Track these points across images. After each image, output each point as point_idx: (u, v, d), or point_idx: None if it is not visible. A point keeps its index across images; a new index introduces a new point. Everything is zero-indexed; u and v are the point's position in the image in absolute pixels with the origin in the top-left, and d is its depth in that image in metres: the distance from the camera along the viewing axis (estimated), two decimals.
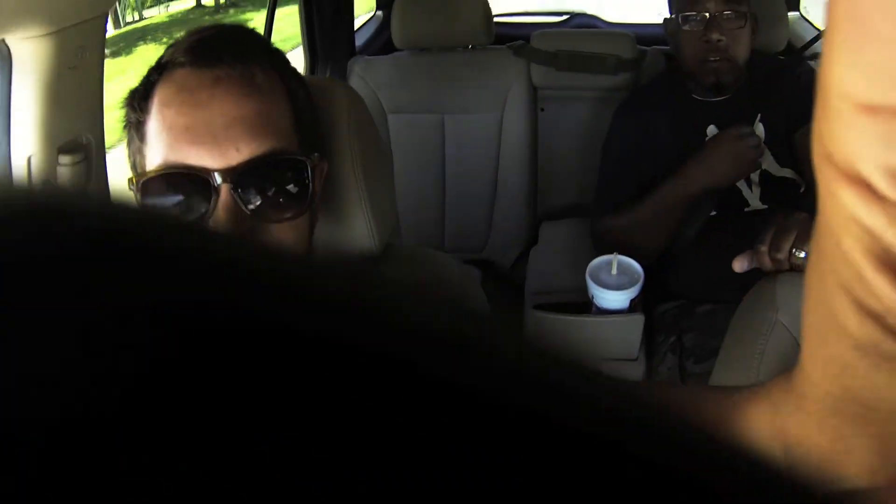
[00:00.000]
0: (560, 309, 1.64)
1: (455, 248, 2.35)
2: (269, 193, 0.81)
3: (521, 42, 2.31)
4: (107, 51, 1.22)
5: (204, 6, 7.86)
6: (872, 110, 0.26)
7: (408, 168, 2.28)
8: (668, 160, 1.75)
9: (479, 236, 2.36)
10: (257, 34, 0.97)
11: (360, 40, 2.64)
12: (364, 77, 2.24)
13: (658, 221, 1.69)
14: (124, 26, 6.51)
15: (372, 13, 2.92)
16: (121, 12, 6.09)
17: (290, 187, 0.83)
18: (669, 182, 1.70)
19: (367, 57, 2.33)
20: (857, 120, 0.26)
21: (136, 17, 7.08)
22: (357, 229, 1.08)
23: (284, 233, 0.83)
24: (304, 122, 0.88)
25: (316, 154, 0.87)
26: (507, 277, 2.28)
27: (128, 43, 6.20)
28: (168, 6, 7.89)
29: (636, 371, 1.58)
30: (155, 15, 7.53)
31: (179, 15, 7.88)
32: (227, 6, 8.54)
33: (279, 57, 0.89)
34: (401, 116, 2.27)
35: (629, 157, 1.86)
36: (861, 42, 0.25)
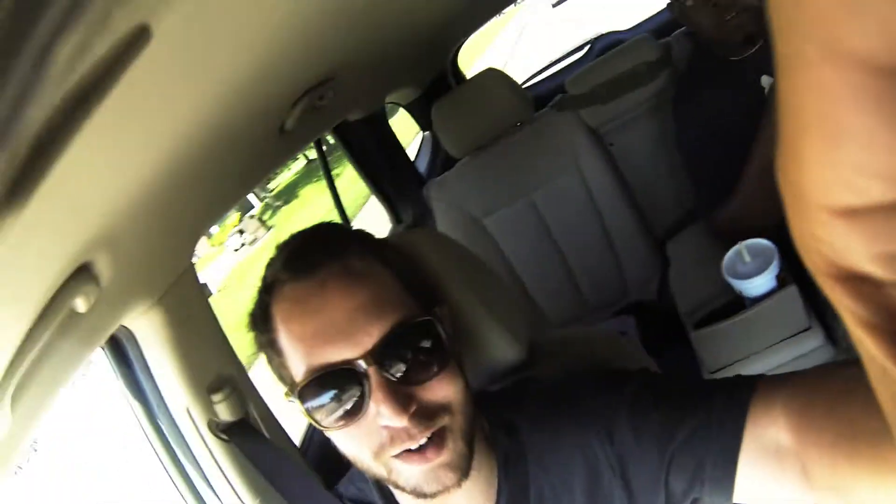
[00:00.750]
0: (717, 317, 1.63)
1: (600, 302, 2.37)
2: (410, 358, 0.84)
3: (559, 96, 2.35)
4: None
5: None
6: (854, 214, 0.24)
7: (524, 256, 2.33)
8: (741, 128, 1.71)
9: (616, 282, 2.36)
10: (341, 227, 1.05)
11: (422, 166, 2.71)
12: (443, 198, 2.29)
13: (765, 189, 1.65)
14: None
15: (420, 135, 2.96)
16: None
17: (426, 345, 0.86)
18: (756, 146, 1.67)
19: (436, 180, 2.37)
20: (838, 224, 0.25)
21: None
22: (498, 347, 1.13)
23: (442, 385, 0.87)
24: (413, 283, 0.92)
25: (435, 307, 0.92)
26: (658, 308, 2.28)
27: None
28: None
29: (815, 338, 1.54)
30: None
31: None
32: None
33: (367, 239, 0.95)
34: (495, 216, 2.30)
35: (704, 142, 1.85)
36: (836, 142, 0.23)
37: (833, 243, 0.25)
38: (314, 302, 0.84)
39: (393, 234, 1.14)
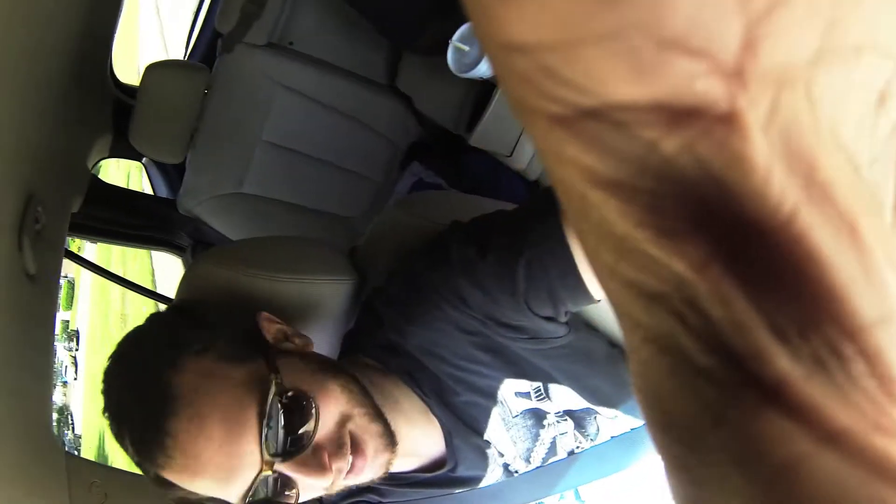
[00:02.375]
0: (480, 111, 1.70)
1: (382, 171, 2.42)
2: (288, 428, 0.89)
3: (219, 40, 2.26)
4: None
5: None
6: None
7: (295, 187, 2.35)
8: None
9: (382, 145, 2.41)
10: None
11: (163, 190, 2.64)
12: (196, 199, 2.25)
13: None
14: None
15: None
16: None
17: (291, 406, 0.90)
18: None
19: (181, 192, 2.30)
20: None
21: None
22: (336, 295, 1.23)
23: (327, 413, 0.92)
24: (235, 342, 0.97)
25: (269, 355, 0.96)
26: (430, 138, 2.36)
27: None
28: None
29: None
30: None
31: None
32: None
33: (165, 344, 0.97)
34: (246, 178, 2.28)
35: None
36: None
37: (558, 68, 0.19)
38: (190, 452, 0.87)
39: (185, 273, 1.13)
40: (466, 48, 1.58)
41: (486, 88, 1.67)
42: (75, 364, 34.65)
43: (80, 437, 31.38)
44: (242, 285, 1.14)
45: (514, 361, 1.04)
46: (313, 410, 0.90)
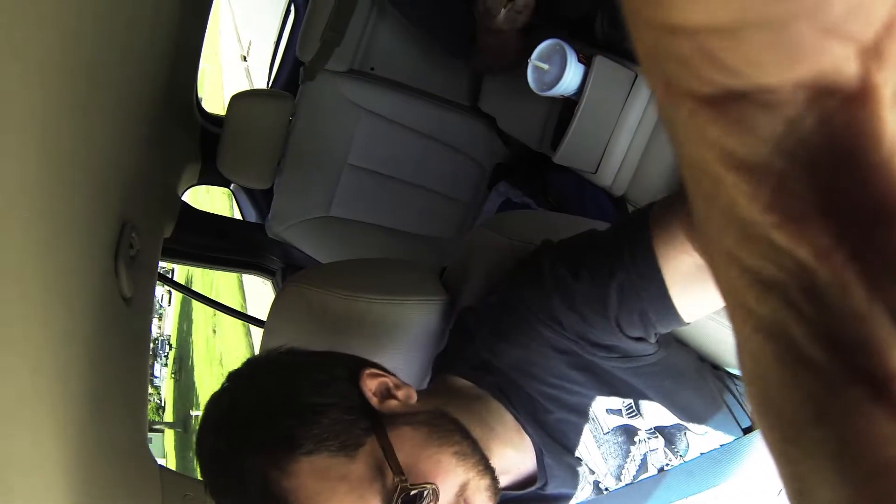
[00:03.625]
0: (565, 127, 1.70)
1: (468, 192, 2.43)
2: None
3: (301, 68, 2.31)
4: None
5: None
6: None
7: (384, 210, 2.38)
8: None
9: (468, 167, 2.42)
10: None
11: (252, 215, 2.70)
12: (285, 223, 2.29)
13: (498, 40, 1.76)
14: None
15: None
16: None
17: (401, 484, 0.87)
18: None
19: (269, 218, 2.33)
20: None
21: None
22: (430, 314, 1.23)
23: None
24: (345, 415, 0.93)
25: (378, 429, 0.92)
26: (515, 157, 2.38)
27: None
28: None
29: None
30: None
31: None
32: None
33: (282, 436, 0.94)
34: (334, 202, 2.31)
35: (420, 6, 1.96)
36: None
37: (707, 50, 0.20)
38: None
39: (278, 294, 1.15)
40: (546, 66, 1.57)
41: (568, 106, 1.66)
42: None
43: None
44: (336, 307, 1.14)
45: (605, 379, 1.03)
46: (434, 497, 0.87)
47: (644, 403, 1.07)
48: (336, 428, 0.88)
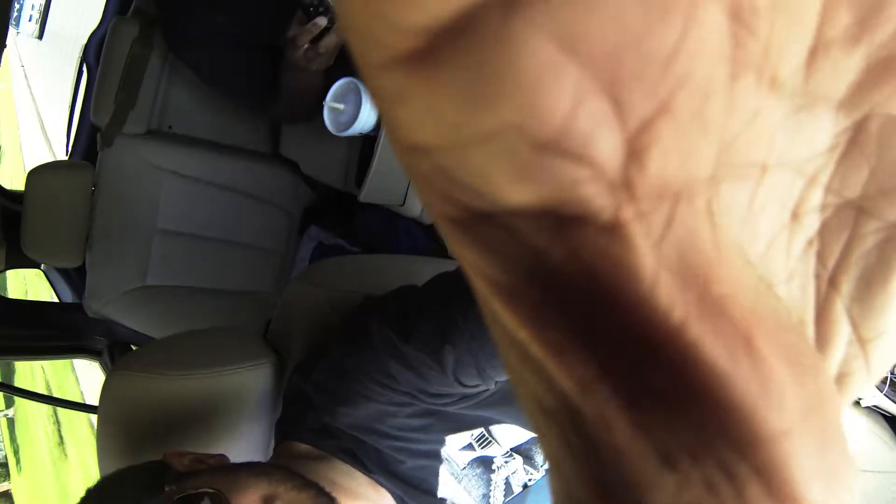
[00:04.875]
0: (367, 164, 1.69)
1: (277, 241, 2.40)
2: None
3: (98, 135, 2.24)
4: None
5: None
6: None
7: (198, 272, 2.32)
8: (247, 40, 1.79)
9: (275, 215, 2.40)
10: None
11: (68, 296, 2.62)
12: (102, 301, 2.21)
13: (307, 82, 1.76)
14: None
15: None
16: None
17: None
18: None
19: (86, 297, 2.26)
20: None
21: None
22: (256, 382, 1.18)
23: None
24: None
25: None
26: (322, 199, 2.38)
27: None
28: None
29: None
30: None
31: None
32: None
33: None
34: (148, 273, 2.25)
35: (205, 61, 1.94)
36: None
37: (459, 171, 0.19)
38: None
39: (103, 387, 1.12)
40: (341, 107, 1.58)
41: (368, 143, 1.67)
42: None
43: None
44: (165, 389, 1.12)
45: (450, 419, 1.05)
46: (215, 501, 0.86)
47: (495, 428, 1.09)
48: None
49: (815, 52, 0.18)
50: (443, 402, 1.01)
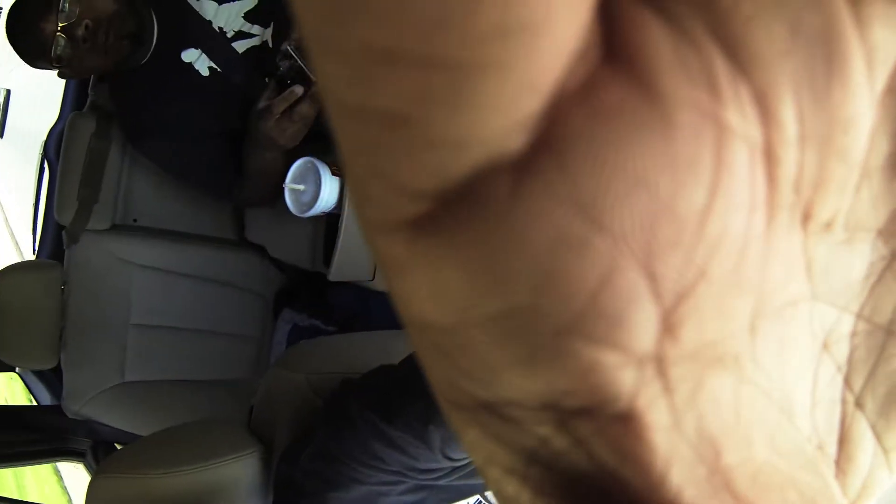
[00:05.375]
0: (334, 242, 1.69)
1: (250, 327, 2.40)
2: None
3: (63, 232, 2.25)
4: None
5: None
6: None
7: (176, 367, 2.30)
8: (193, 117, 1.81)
9: (250, 302, 2.40)
10: None
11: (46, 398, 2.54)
12: (78, 403, 2.18)
13: (267, 180, 1.79)
14: None
15: None
16: None
17: None
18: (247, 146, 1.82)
19: (64, 400, 2.22)
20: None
21: None
22: (244, 477, 1.16)
23: None
24: None
25: None
26: (294, 282, 2.40)
27: None
28: None
29: None
30: None
31: None
32: None
33: None
34: (127, 365, 2.23)
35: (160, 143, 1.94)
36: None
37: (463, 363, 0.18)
38: None
39: (88, 491, 1.11)
40: (301, 187, 1.59)
41: (332, 221, 1.67)
42: None
43: None
44: (152, 488, 1.11)
45: (443, 491, 1.04)
46: None
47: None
48: None
49: (859, 183, 0.17)
50: (434, 477, 1.00)
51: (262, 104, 1.65)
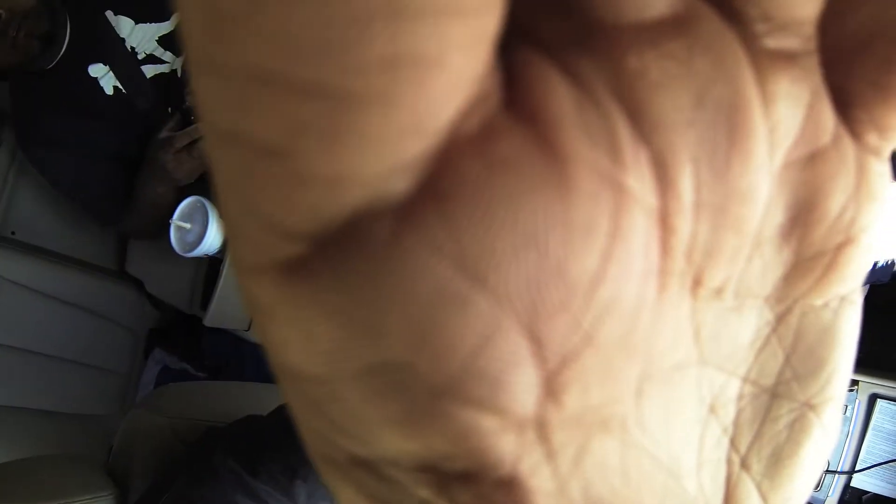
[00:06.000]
0: (213, 284, 1.65)
1: (123, 362, 2.31)
2: None
3: None
4: None
5: None
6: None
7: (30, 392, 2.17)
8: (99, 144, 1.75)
9: (117, 336, 2.31)
10: None
11: None
12: None
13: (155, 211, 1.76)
14: None
15: None
16: None
17: None
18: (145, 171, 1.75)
19: None
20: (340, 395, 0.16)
21: None
22: None
23: None
24: None
25: None
26: (167, 323, 2.32)
27: None
28: None
29: None
30: None
31: None
32: None
33: None
34: None
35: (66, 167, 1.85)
36: None
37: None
38: None
39: None
40: (188, 226, 1.54)
41: (214, 265, 1.62)
42: None
43: None
44: None
45: None
46: None
47: None
48: None
49: (751, 253, 0.18)
50: None
51: (163, 134, 1.62)
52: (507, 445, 0.15)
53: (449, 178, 0.13)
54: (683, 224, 0.15)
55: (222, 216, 0.14)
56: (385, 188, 0.13)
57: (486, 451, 0.15)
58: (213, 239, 1.52)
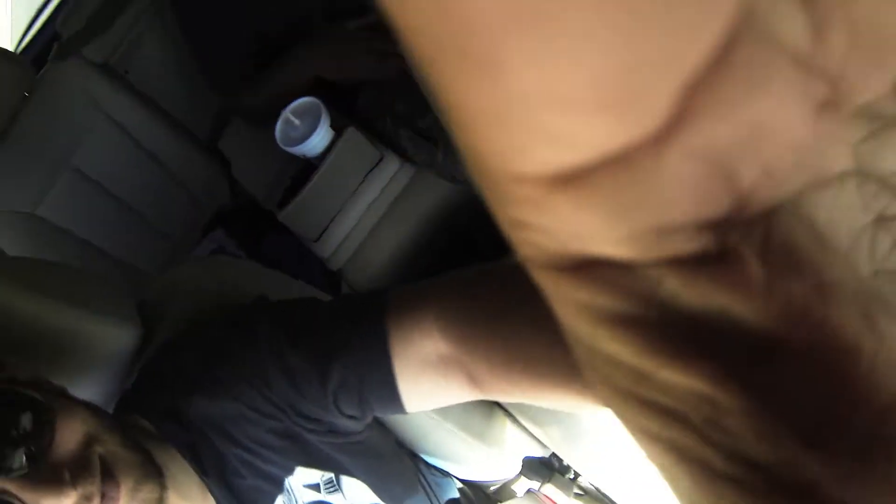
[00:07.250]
0: (296, 190, 1.65)
1: (182, 231, 2.32)
2: (17, 440, 0.75)
3: (56, 44, 2.17)
4: None
5: None
6: (567, 181, 0.17)
7: (92, 224, 2.20)
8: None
9: (187, 205, 2.34)
10: None
11: None
12: None
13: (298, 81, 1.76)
14: None
15: None
16: None
17: (21, 419, 0.77)
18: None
19: None
20: (554, 199, 0.18)
21: None
22: (112, 338, 1.13)
23: (66, 431, 0.80)
24: None
25: None
26: (240, 207, 2.33)
27: None
28: None
29: (392, 163, 1.60)
30: None
31: None
32: None
33: None
34: (44, 203, 2.11)
35: (211, 27, 1.83)
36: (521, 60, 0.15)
37: (551, 227, 0.19)
38: None
39: None
40: (297, 122, 1.54)
41: (304, 169, 1.62)
42: None
43: None
44: (22, 308, 1.02)
45: (307, 450, 0.99)
46: (47, 421, 0.78)
47: (345, 479, 1.04)
48: None
49: None
50: (310, 427, 0.96)
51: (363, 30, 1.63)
52: (716, 235, 0.19)
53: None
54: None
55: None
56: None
57: (701, 243, 0.19)
58: (316, 142, 1.53)
